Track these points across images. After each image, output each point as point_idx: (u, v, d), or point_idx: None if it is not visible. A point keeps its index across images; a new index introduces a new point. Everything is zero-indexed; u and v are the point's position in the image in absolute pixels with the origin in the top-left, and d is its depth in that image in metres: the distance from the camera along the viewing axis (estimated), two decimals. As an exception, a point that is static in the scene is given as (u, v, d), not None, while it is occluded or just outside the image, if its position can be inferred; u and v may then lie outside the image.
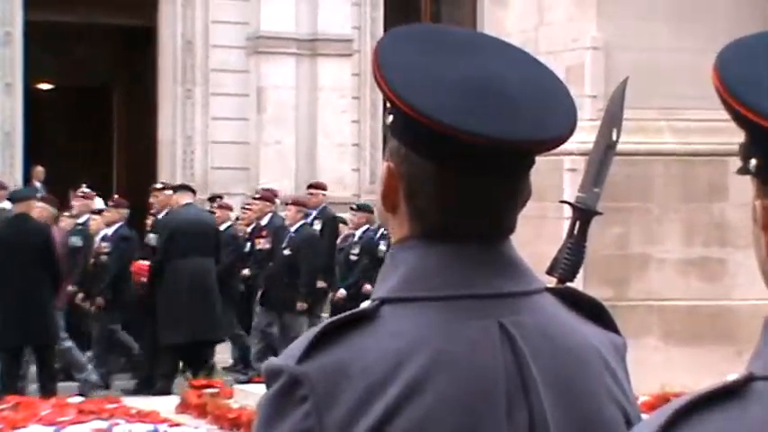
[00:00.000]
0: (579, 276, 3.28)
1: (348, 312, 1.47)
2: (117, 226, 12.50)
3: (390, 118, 1.51)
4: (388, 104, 1.51)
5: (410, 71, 1.48)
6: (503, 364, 1.45)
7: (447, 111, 1.44)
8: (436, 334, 1.44)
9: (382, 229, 12.48)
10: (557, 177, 7.48)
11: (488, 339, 1.46)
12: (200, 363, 11.48)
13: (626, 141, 8.48)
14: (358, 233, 13.36)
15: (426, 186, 1.48)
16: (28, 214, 11.21)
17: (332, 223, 13.77)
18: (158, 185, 13.61)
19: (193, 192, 12.73)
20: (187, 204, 12.08)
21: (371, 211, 12.93)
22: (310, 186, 14.57)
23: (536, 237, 6.65)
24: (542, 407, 1.45)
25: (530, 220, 7.45)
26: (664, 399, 6.73)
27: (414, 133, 1.47)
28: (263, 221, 13.38)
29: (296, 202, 13.17)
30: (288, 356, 1.45)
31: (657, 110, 7.87)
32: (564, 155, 7.24)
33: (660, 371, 7.08)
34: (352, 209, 13.90)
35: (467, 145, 1.44)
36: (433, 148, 1.47)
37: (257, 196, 14.17)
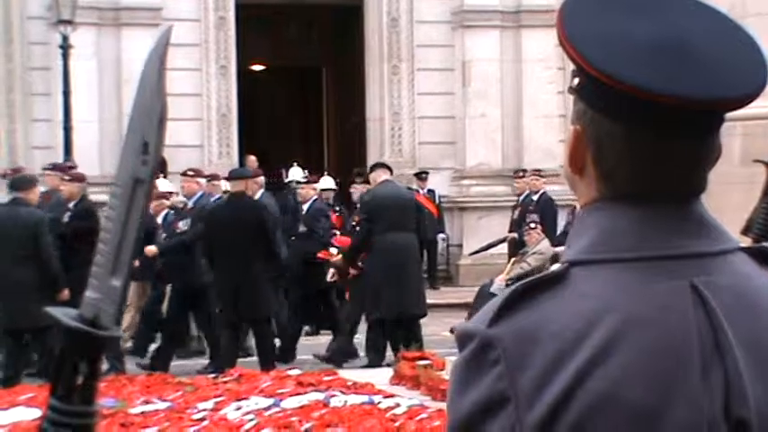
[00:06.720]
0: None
1: (538, 275, 1.48)
2: None
3: (576, 80, 1.50)
4: (574, 67, 1.51)
5: (595, 31, 1.45)
6: (696, 325, 1.43)
7: (635, 71, 1.41)
8: (627, 296, 1.43)
9: None
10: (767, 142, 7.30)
11: (680, 300, 1.44)
12: (408, 338, 11.64)
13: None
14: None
15: (615, 148, 1.46)
16: (243, 192, 11.59)
17: None
18: (189, 172, 12.84)
19: (390, 169, 12.76)
20: (385, 181, 12.23)
21: None
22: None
23: (747, 202, 6.52)
24: (738, 368, 1.42)
25: (740, 186, 7.29)
26: None
27: (601, 95, 1.45)
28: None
29: None
30: (479, 320, 1.45)
31: None
32: (775, 119, 7.06)
33: None
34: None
35: (656, 105, 1.42)
36: (621, 110, 1.44)
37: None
